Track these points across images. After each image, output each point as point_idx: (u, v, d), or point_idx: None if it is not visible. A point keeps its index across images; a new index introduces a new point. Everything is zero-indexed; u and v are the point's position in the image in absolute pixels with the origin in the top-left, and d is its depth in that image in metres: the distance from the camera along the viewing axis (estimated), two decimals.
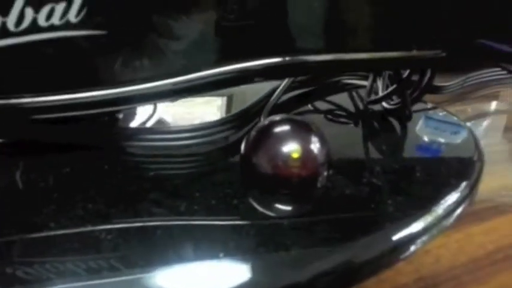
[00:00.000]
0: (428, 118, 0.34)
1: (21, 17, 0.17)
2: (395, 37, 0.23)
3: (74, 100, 0.20)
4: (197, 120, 0.32)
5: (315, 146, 0.21)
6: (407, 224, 0.20)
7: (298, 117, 0.23)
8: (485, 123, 0.44)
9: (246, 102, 0.31)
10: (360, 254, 0.18)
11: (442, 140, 0.30)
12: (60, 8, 0.18)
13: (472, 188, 0.24)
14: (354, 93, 0.38)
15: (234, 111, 0.33)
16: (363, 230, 0.19)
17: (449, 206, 0.22)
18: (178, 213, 0.19)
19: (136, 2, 0.19)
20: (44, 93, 0.19)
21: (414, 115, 0.33)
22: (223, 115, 0.33)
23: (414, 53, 0.23)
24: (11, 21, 0.17)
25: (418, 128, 0.32)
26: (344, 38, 0.23)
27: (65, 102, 0.20)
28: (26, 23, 0.17)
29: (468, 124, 0.39)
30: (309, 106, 0.35)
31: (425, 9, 0.22)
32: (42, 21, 0.18)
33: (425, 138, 0.30)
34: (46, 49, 0.18)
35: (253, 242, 0.18)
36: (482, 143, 0.37)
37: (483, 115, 0.45)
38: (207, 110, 0.34)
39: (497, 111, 0.47)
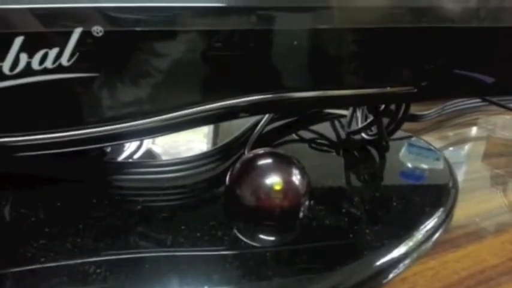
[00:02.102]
0: (411, 145, 0.36)
1: (16, 61, 0.18)
2: (372, 76, 0.25)
3: (63, 138, 0.21)
4: (183, 147, 0.33)
5: (296, 178, 0.22)
6: (384, 253, 0.21)
7: (280, 151, 0.24)
8: (465, 150, 0.45)
9: (233, 128, 0.32)
10: (339, 283, 0.19)
11: (425, 166, 0.31)
12: (53, 53, 0.19)
13: (447, 215, 0.26)
14: (336, 123, 0.39)
15: (220, 137, 0.34)
16: (342, 259, 0.20)
17: (425, 234, 0.23)
18: (164, 246, 0.20)
19: (124, 46, 0.20)
20: (34, 132, 0.20)
21: (397, 142, 0.35)
22: (210, 142, 0.34)
23: (388, 89, 0.25)
24: (6, 65, 0.18)
25: (401, 154, 0.33)
26: (326, 77, 0.24)
27: (55, 140, 0.21)
28: (20, 67, 0.18)
29: (448, 151, 0.41)
30: (293, 135, 0.36)
31: (397, 54, 0.24)
32: (35, 65, 0.19)
33: (409, 165, 0.32)
34: (38, 90, 0.19)
35: (237, 273, 0.19)
36: (462, 169, 0.38)
37: (462, 142, 0.46)
38: (193, 137, 0.35)
39: (476, 138, 0.48)
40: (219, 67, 0.22)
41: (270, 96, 0.24)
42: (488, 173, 0.37)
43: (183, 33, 0.20)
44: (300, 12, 0.22)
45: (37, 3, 0.18)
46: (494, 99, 0.46)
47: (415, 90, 0.25)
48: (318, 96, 0.24)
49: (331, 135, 0.36)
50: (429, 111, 0.47)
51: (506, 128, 0.52)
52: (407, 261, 0.21)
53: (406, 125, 0.43)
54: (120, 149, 0.30)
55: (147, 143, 0.32)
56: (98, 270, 0.18)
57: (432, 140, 0.43)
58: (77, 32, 0.18)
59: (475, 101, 0.53)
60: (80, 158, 0.26)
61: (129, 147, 0.31)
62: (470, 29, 0.25)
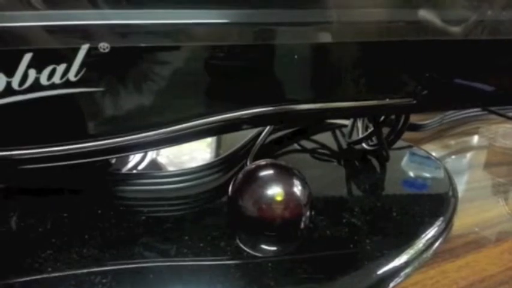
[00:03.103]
0: (413, 154, 0.36)
1: (24, 77, 0.19)
2: (371, 88, 0.25)
3: (70, 150, 0.21)
4: (186, 157, 0.33)
5: (297, 189, 0.23)
6: (384, 262, 0.21)
7: (282, 162, 0.25)
8: (465, 159, 0.45)
9: (236, 137, 0.32)
10: None
11: (425, 176, 0.32)
12: (61, 68, 0.19)
13: (447, 224, 0.26)
14: (337, 132, 0.40)
15: (223, 146, 0.35)
16: (343, 269, 0.21)
17: (424, 243, 0.23)
18: (168, 256, 0.20)
19: (130, 61, 0.20)
20: (41, 145, 0.21)
21: (397, 152, 0.35)
22: (213, 152, 0.35)
23: (387, 101, 0.25)
24: (15, 81, 0.19)
25: (403, 163, 0.34)
26: (327, 89, 0.25)
27: (61, 153, 0.21)
28: (28, 82, 0.19)
29: (449, 160, 0.41)
30: (294, 145, 0.37)
31: (395, 66, 0.25)
32: (44, 81, 0.19)
33: (410, 174, 0.32)
34: (46, 105, 0.20)
35: (239, 283, 0.19)
36: (462, 179, 0.38)
37: (463, 151, 0.47)
38: (196, 146, 0.36)
39: (477, 147, 0.49)
40: (222, 81, 0.23)
41: (272, 108, 0.24)
42: (489, 182, 0.38)
43: (187, 48, 0.21)
44: (301, 27, 0.22)
45: (46, 21, 0.19)
46: (494, 108, 0.46)
47: (414, 101, 0.25)
48: (319, 109, 0.25)
49: (333, 145, 0.37)
50: (430, 120, 0.47)
51: (507, 136, 0.52)
52: (407, 271, 0.21)
53: (407, 135, 0.43)
54: (124, 160, 0.31)
55: (152, 153, 0.33)
56: (104, 280, 0.19)
57: (433, 149, 0.43)
58: (84, 49, 0.19)
59: (475, 110, 0.53)
60: (85, 169, 0.26)
61: (134, 158, 0.31)
62: (468, 41, 0.25)
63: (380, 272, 0.21)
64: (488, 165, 0.42)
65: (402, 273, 0.21)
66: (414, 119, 0.46)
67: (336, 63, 0.24)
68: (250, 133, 0.33)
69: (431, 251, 0.23)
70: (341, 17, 0.23)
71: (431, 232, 0.24)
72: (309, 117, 0.29)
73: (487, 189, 0.36)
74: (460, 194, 0.31)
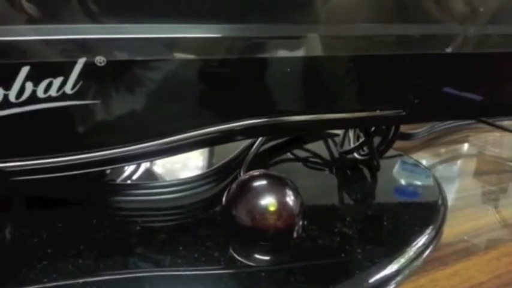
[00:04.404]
0: (403, 163, 0.37)
1: (22, 90, 0.19)
2: (362, 100, 0.26)
3: (65, 162, 0.21)
4: (178, 165, 0.34)
5: (290, 199, 0.23)
6: (374, 271, 0.22)
7: (275, 172, 0.25)
8: (456, 167, 0.46)
9: (229, 146, 0.33)
10: None
11: (417, 184, 0.32)
12: (57, 81, 0.20)
13: (437, 233, 0.26)
14: (330, 141, 0.40)
15: (217, 156, 0.35)
16: (335, 278, 0.21)
17: (415, 252, 0.24)
18: (163, 266, 0.21)
19: (125, 74, 0.21)
20: (37, 157, 0.21)
21: (387, 161, 0.36)
22: (206, 160, 0.35)
23: (378, 113, 0.26)
24: (12, 93, 0.19)
25: (393, 172, 0.34)
26: (318, 101, 0.25)
27: (57, 164, 0.21)
28: (25, 95, 0.19)
29: (439, 168, 0.42)
30: (287, 155, 0.37)
31: (385, 79, 0.25)
32: (40, 93, 0.20)
33: (401, 182, 0.33)
34: (42, 117, 0.20)
35: None
36: (452, 187, 0.39)
37: (453, 159, 0.47)
38: (189, 155, 0.36)
39: (467, 156, 0.49)
40: (215, 93, 0.23)
41: (265, 120, 0.25)
42: (479, 190, 0.38)
43: (182, 61, 0.22)
44: (292, 40, 0.23)
45: (43, 35, 0.19)
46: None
47: (404, 113, 0.26)
48: (310, 120, 0.25)
49: (325, 155, 0.37)
50: (420, 129, 0.48)
51: (496, 145, 0.52)
52: (397, 279, 0.22)
53: (398, 143, 0.44)
54: (119, 170, 0.31)
55: (146, 163, 0.33)
56: None
57: (423, 157, 0.44)
58: (80, 62, 0.19)
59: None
60: (80, 180, 0.27)
61: (128, 168, 0.32)
62: (456, 55, 0.26)
63: (371, 280, 0.21)
64: (478, 174, 0.43)
65: (393, 282, 0.22)
66: (405, 128, 0.47)
67: (326, 76, 0.25)
68: (243, 143, 0.34)
69: (421, 260, 0.24)
70: (329, 32, 0.24)
71: (421, 240, 0.25)
72: (300, 128, 0.29)
73: (477, 198, 0.36)
74: (450, 202, 0.31)
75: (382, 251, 0.23)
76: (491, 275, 0.25)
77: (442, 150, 0.49)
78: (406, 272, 0.23)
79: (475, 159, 0.48)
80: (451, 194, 0.35)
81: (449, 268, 0.25)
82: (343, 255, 0.23)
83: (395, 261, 0.22)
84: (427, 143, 0.49)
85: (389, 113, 0.26)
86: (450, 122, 0.53)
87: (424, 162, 0.40)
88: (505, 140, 0.53)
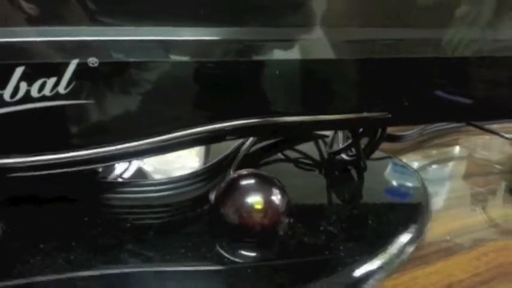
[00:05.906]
0: (395, 164, 0.37)
1: (16, 89, 0.20)
2: (349, 102, 0.26)
3: (58, 159, 0.22)
4: (174, 164, 0.34)
5: (276, 198, 0.24)
6: (355, 268, 0.22)
7: (263, 171, 0.26)
8: (445, 170, 0.46)
9: (222, 145, 0.33)
10: None
11: (403, 184, 0.33)
12: (51, 82, 0.20)
13: (419, 232, 0.27)
14: (320, 142, 0.41)
15: (211, 153, 0.36)
16: (317, 275, 0.22)
17: (396, 250, 0.25)
18: (152, 262, 0.21)
19: (117, 75, 0.21)
20: (31, 154, 0.22)
21: (375, 163, 0.36)
22: (199, 158, 0.36)
23: (365, 114, 0.26)
24: (7, 93, 0.20)
25: (382, 172, 0.35)
26: (308, 103, 0.26)
27: (50, 162, 0.22)
28: (20, 95, 0.20)
29: (428, 170, 0.42)
30: (277, 155, 0.38)
31: (371, 82, 0.26)
32: (34, 93, 0.20)
33: (388, 183, 0.34)
34: (36, 116, 0.21)
35: None
36: (440, 189, 0.40)
37: (443, 162, 0.48)
38: (182, 153, 0.36)
39: (457, 158, 0.50)
40: (207, 94, 0.24)
41: (255, 120, 0.25)
42: (466, 191, 0.39)
43: (174, 63, 0.22)
44: (284, 43, 0.24)
45: (37, 37, 0.20)
46: None
47: (389, 115, 0.27)
48: (301, 121, 0.26)
49: (314, 155, 0.38)
50: (410, 131, 0.49)
51: (486, 148, 0.53)
52: (377, 277, 0.23)
53: (388, 145, 0.44)
54: (110, 168, 0.32)
55: (137, 162, 0.34)
56: (90, 286, 0.20)
57: (413, 159, 0.44)
58: (73, 63, 0.20)
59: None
60: (72, 177, 0.27)
61: (120, 165, 0.32)
62: (442, 59, 0.27)
63: (352, 277, 0.22)
64: (466, 176, 0.43)
65: (373, 279, 0.22)
66: (394, 130, 0.48)
67: (316, 78, 0.25)
68: (234, 143, 0.35)
69: (402, 258, 0.25)
70: (322, 36, 0.24)
71: (403, 239, 0.25)
72: (290, 129, 0.30)
73: (463, 199, 0.37)
74: (436, 203, 0.32)
75: (364, 249, 0.24)
76: (469, 273, 0.25)
77: (432, 152, 0.49)
78: (387, 269, 0.23)
79: (464, 162, 0.49)
80: (438, 195, 0.36)
81: (429, 267, 0.26)
82: (326, 252, 0.23)
83: (376, 258, 0.23)
84: (417, 145, 0.49)
85: (376, 115, 0.27)
86: (440, 124, 0.53)
87: (413, 164, 0.41)
88: (493, 143, 0.54)
